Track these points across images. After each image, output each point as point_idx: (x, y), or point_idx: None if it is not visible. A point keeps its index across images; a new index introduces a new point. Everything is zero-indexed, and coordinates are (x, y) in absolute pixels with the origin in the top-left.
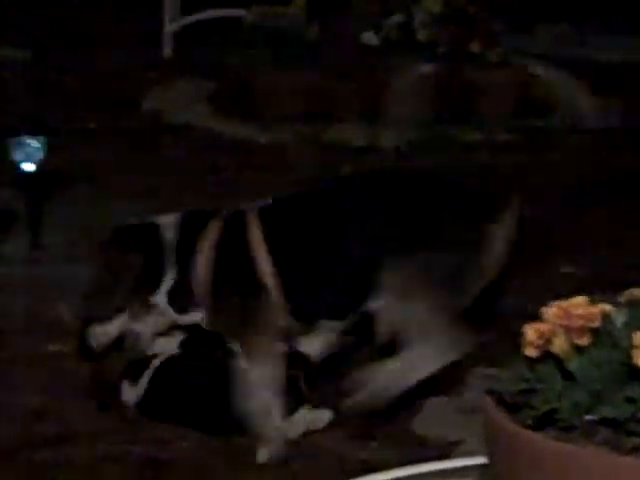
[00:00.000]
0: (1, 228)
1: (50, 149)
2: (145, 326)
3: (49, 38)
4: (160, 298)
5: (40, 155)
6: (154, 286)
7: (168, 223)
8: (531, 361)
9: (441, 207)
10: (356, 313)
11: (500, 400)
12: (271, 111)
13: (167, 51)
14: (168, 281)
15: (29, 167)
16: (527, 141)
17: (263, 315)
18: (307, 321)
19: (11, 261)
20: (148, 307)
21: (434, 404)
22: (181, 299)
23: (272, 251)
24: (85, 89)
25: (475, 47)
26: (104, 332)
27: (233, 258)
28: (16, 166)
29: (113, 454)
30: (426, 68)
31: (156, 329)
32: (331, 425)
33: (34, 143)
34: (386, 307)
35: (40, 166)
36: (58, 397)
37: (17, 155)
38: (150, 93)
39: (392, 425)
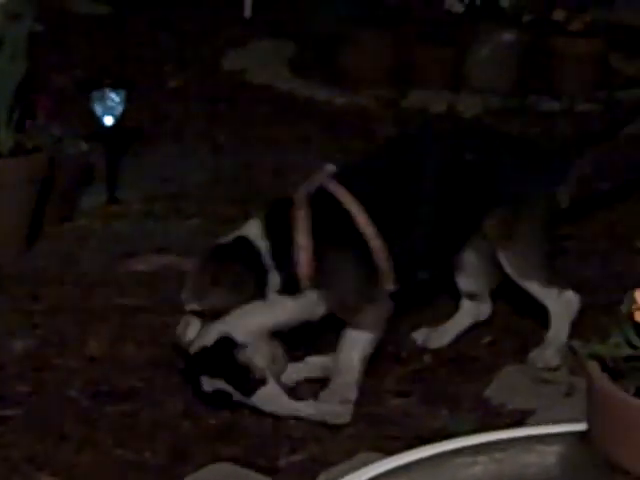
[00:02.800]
0: (80, 181)
1: (130, 104)
2: None
3: None
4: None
5: (120, 109)
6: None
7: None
8: (637, 327)
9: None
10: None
11: (604, 367)
12: (351, 74)
13: (248, 12)
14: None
15: (109, 121)
16: (607, 112)
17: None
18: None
19: (88, 215)
20: None
21: (508, 372)
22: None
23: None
24: (165, 47)
25: (559, 15)
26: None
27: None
28: (97, 120)
29: None
30: (509, 36)
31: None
32: None
33: (115, 97)
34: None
35: (120, 120)
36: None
37: (98, 108)
38: (231, 53)
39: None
